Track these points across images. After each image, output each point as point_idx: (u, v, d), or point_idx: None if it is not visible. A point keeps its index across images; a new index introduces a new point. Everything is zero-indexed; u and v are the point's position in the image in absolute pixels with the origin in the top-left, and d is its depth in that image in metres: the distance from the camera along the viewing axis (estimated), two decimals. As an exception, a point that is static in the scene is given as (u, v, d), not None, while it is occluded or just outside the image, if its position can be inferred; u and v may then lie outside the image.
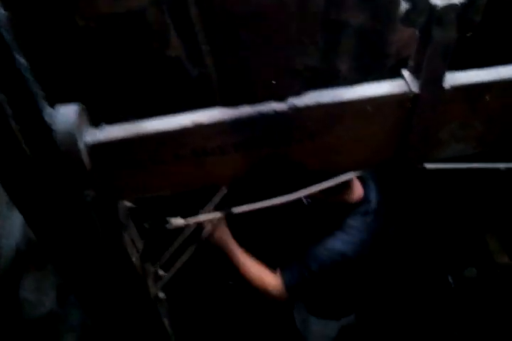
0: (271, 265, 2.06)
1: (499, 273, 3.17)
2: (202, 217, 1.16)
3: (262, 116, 0.95)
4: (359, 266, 2.01)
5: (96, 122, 0.98)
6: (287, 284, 1.96)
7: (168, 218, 1.17)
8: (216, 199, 1.18)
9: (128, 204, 1.14)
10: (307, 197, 2.03)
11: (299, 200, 2.07)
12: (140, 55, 2.09)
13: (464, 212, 3.27)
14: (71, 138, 0.93)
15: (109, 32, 2.00)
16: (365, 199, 1.98)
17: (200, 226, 1.26)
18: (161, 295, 1.28)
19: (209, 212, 1.19)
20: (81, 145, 0.95)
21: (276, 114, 0.95)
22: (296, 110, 0.96)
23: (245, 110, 0.95)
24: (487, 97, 1.03)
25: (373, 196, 2.00)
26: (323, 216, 1.99)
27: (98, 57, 2.05)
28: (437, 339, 3.08)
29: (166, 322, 1.36)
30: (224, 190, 1.16)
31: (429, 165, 1.16)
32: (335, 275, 1.98)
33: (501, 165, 1.17)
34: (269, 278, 2.00)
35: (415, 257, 3.22)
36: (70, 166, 0.96)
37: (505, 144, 1.14)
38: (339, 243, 1.91)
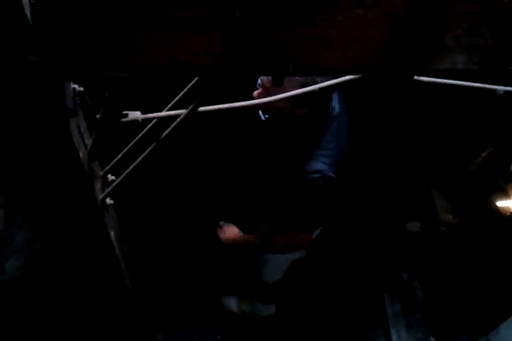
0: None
1: (443, 230, 3.09)
2: (164, 113, 0.95)
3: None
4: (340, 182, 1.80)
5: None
6: (304, 230, 1.91)
7: (124, 111, 0.95)
8: (181, 94, 0.97)
9: (78, 87, 0.91)
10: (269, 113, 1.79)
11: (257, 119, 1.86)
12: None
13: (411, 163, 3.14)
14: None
15: None
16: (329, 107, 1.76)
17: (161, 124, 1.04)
18: (109, 201, 1.07)
19: (173, 109, 0.98)
20: (24, -5, 0.72)
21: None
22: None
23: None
24: (506, -2, 0.84)
25: (335, 101, 1.78)
26: (291, 132, 1.76)
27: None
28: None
29: (112, 234, 1.16)
30: (191, 84, 0.95)
31: (423, 79, 0.98)
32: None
33: (500, 88, 0.99)
34: (294, 241, 1.95)
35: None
36: (8, 21, 0.73)
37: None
38: (320, 163, 1.69)
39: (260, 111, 1.81)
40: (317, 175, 1.68)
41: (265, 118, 1.81)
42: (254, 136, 1.92)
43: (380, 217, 3.13)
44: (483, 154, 3.19)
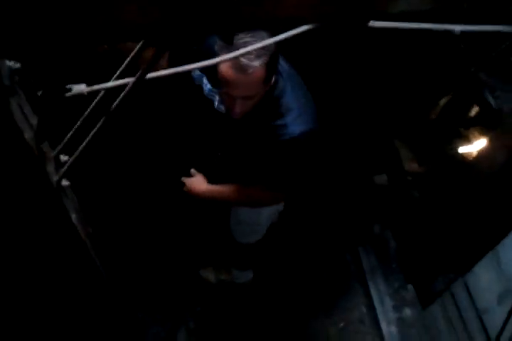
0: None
1: (410, 180, 3.13)
2: (111, 84, 0.90)
3: None
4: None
5: None
6: (282, 190, 1.94)
7: (68, 85, 0.89)
8: (127, 61, 0.91)
9: (13, 64, 0.85)
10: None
11: (215, 113, 1.84)
12: None
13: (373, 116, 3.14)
14: None
15: None
16: None
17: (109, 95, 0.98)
18: (65, 183, 1.02)
19: (120, 77, 0.92)
20: None
21: None
22: None
23: None
24: None
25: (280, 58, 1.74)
26: (253, 112, 1.73)
27: None
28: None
29: (73, 217, 1.12)
30: (137, 47, 0.89)
31: (376, 24, 0.95)
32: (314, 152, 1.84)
33: (457, 28, 0.97)
34: (261, 195, 1.95)
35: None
36: None
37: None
38: (295, 126, 1.71)
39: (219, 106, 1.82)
40: (304, 137, 1.72)
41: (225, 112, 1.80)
42: (215, 127, 1.91)
43: (346, 173, 3.15)
44: (443, 101, 3.21)
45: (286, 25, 0.88)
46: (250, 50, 0.91)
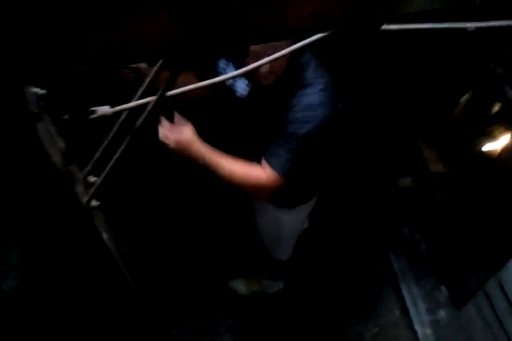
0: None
1: (435, 181, 3.11)
2: (133, 104, 0.92)
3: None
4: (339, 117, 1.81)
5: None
6: (282, 170, 1.70)
7: (91, 107, 0.92)
8: (147, 81, 0.94)
9: (38, 90, 0.88)
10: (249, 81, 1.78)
11: (233, 99, 1.84)
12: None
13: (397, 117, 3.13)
14: None
15: None
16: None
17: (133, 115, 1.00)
18: (95, 203, 1.05)
19: (141, 97, 0.95)
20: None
21: None
22: None
23: None
24: None
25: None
26: (275, 91, 1.73)
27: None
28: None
29: (105, 236, 1.14)
30: (155, 69, 0.91)
31: (392, 27, 0.96)
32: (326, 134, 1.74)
33: (469, 25, 0.97)
34: (257, 172, 1.71)
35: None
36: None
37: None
38: (316, 96, 1.67)
39: (241, 88, 1.81)
40: (322, 110, 1.68)
41: (248, 92, 1.80)
42: (234, 114, 1.90)
43: (371, 177, 3.14)
44: (464, 99, 3.19)
45: (299, 35, 0.90)
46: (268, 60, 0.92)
